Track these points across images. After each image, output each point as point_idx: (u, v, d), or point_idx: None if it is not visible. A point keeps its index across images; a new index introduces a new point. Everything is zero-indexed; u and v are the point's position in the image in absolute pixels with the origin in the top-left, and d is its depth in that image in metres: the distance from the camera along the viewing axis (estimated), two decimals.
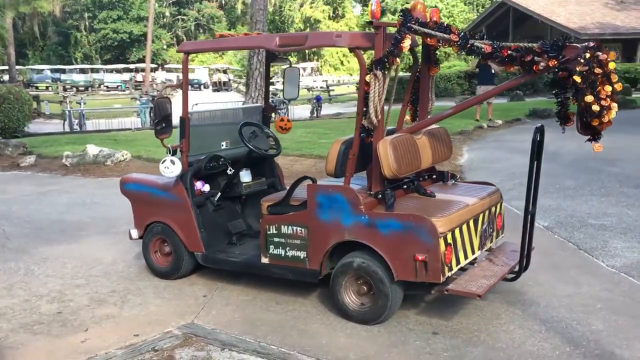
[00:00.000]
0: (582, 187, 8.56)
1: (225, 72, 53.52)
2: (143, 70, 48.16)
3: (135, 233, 5.60)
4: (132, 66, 55.31)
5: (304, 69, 58.58)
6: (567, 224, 6.78)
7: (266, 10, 13.57)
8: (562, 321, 4.37)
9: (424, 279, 4.12)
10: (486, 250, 4.80)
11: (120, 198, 6.02)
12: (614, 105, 3.83)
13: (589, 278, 5.19)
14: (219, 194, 5.43)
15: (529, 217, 4.27)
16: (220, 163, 5.41)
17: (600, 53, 3.78)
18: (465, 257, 4.36)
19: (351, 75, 55.01)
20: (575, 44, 3.97)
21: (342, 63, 58.89)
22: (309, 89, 35.61)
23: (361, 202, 4.27)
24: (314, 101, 21.40)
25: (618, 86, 3.88)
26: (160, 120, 4.90)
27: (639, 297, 4.78)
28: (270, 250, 4.74)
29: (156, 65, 54.76)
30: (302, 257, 4.60)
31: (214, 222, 5.32)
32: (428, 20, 4.44)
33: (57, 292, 5.23)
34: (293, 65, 5.94)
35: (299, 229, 4.58)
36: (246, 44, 4.82)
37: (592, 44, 3.86)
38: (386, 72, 4.26)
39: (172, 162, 4.98)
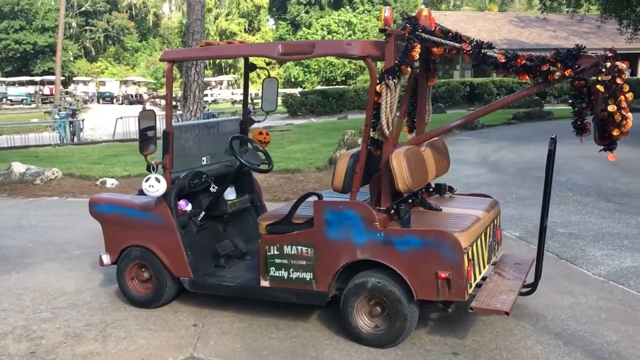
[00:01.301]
0: (538, 197, 8.67)
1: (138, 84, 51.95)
2: (50, 83, 45.81)
3: (107, 259, 5.09)
4: (37, 79, 52.46)
5: (221, 82, 57.83)
6: (537, 233, 6.82)
7: (203, 21, 13.08)
8: (575, 334, 4.31)
9: (447, 298, 3.94)
10: (492, 265, 4.70)
11: (63, 220, 5.51)
12: (630, 115, 3.83)
13: (581, 288, 5.20)
14: (203, 213, 5.04)
15: (544, 229, 4.20)
16: (203, 180, 5.03)
17: (619, 62, 3.77)
18: (480, 272, 4.23)
19: None
20: (589, 54, 3.95)
21: (258, 76, 58.53)
22: (233, 102, 35.18)
23: (376, 219, 4.04)
24: (249, 113, 20.89)
25: (630, 96, 3.87)
26: (146, 135, 4.48)
27: (637, 305, 4.82)
28: (271, 273, 4.41)
29: (64, 78, 52.16)
30: (308, 279, 4.31)
31: (198, 244, 4.92)
32: (434, 28, 4.31)
33: (22, 329, 4.66)
34: (272, 77, 5.65)
35: (304, 248, 4.28)
36: (243, 52, 4.48)
37: (609, 53, 3.84)
38: (397, 82, 4.08)
39: (157, 180, 4.56)
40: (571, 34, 37.50)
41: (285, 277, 4.37)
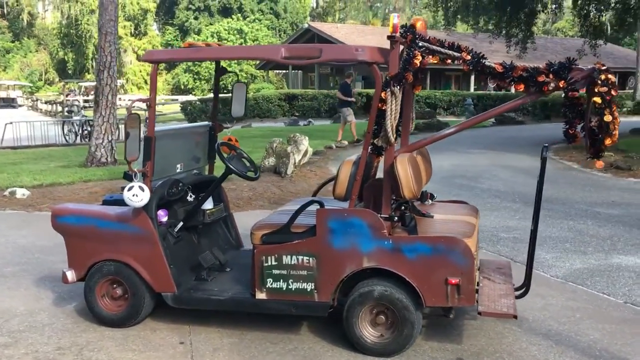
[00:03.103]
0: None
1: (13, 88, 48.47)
2: None
3: (72, 275, 4.66)
4: None
5: None
6: (484, 238, 7.10)
7: (117, 22, 12.43)
8: (560, 334, 4.50)
9: (457, 304, 3.98)
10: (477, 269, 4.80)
11: None
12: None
13: (546, 289, 5.45)
14: (181, 223, 4.75)
15: (534, 235, 4.37)
16: (180, 189, 4.75)
17: (611, 75, 4.01)
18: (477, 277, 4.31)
19: (157, 94, 53.06)
20: (580, 67, 4.16)
21: (145, 82, 56.69)
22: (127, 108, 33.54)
23: (384, 226, 4.00)
24: (147, 120, 20.04)
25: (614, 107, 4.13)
26: (131, 140, 4.16)
27: (602, 304, 5.12)
28: (268, 284, 4.24)
29: None
30: (309, 290, 4.18)
31: (177, 256, 4.63)
32: (428, 37, 4.36)
33: None
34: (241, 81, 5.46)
35: (305, 258, 4.15)
36: (242, 54, 4.28)
37: (599, 66, 4.06)
38: (401, 89, 4.08)
39: (142, 188, 4.24)
40: None
41: (284, 289, 4.22)
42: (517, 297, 4.49)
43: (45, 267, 6.11)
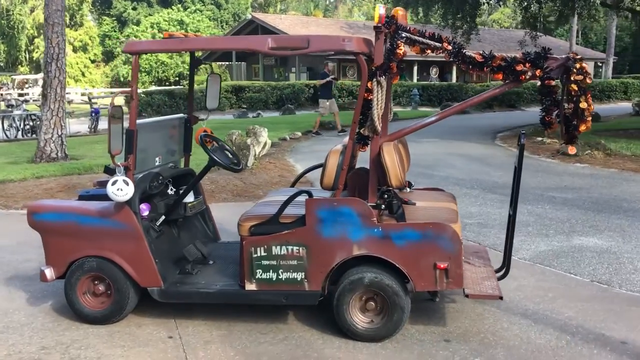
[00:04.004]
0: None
1: None
2: None
3: (50, 273, 4.53)
4: None
5: (36, 80, 53.20)
6: None
7: (64, 12, 12.02)
8: (537, 313, 4.70)
9: (445, 287, 4.10)
10: None
11: None
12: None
13: (516, 271, 5.61)
14: (163, 217, 4.69)
15: (513, 219, 4.53)
16: (160, 182, 4.69)
17: (585, 64, 4.20)
18: None
19: (93, 87, 51.54)
20: (554, 56, 4.33)
21: (83, 75, 54.94)
22: (69, 102, 32.55)
23: (373, 214, 4.07)
24: (93, 114, 19.53)
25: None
26: (114, 133, 4.07)
27: (570, 283, 5.37)
28: (258, 275, 4.25)
29: None
30: (299, 279, 4.22)
31: (161, 250, 4.57)
32: (409, 28, 4.44)
33: None
34: (215, 73, 5.41)
35: (295, 248, 4.18)
36: (227, 45, 4.24)
37: (573, 56, 4.24)
38: (386, 79, 4.16)
39: (126, 182, 4.16)
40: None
41: (274, 279, 4.24)
42: (498, 279, 4.66)
43: (11, 267, 5.91)
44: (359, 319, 4.20)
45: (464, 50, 4.29)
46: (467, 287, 4.26)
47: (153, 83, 51.67)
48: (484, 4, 21.19)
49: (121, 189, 4.14)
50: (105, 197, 4.62)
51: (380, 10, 4.08)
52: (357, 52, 4.02)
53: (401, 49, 4.20)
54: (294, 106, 28.30)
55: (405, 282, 4.20)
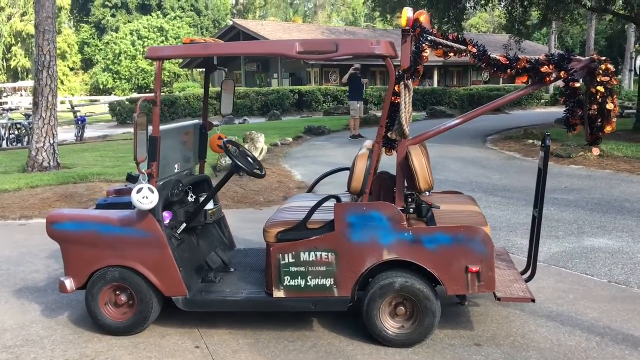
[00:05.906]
0: None
1: None
2: None
3: (70, 283, 4.42)
4: None
5: (18, 89, 52.44)
6: None
7: (55, 19, 11.83)
8: (562, 315, 4.69)
9: (477, 291, 4.07)
10: None
11: None
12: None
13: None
14: (184, 225, 4.61)
15: (539, 221, 4.53)
16: (181, 189, 4.61)
17: (610, 66, 4.21)
18: None
19: (73, 95, 50.92)
20: (578, 57, 4.35)
21: (62, 82, 54.24)
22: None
23: (404, 218, 4.04)
24: (79, 122, 19.25)
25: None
26: (140, 141, 3.99)
27: (589, 284, 5.38)
28: (286, 282, 4.18)
29: None
30: (328, 285, 4.16)
31: (184, 259, 4.49)
32: (432, 30, 4.43)
33: None
34: (229, 79, 5.35)
35: (324, 254, 4.13)
36: (254, 50, 4.18)
37: (599, 58, 4.26)
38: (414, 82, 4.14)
39: (151, 190, 4.08)
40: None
41: (303, 286, 4.18)
42: (527, 281, 4.64)
43: (19, 279, 5.78)
44: (390, 325, 4.15)
45: (489, 53, 4.29)
46: (499, 289, 4.24)
47: (134, 90, 51.24)
48: (470, 8, 21.33)
49: (147, 197, 4.06)
50: (124, 206, 4.55)
51: (409, 13, 4.06)
52: (385, 56, 3.99)
53: (427, 52, 4.19)
54: (279, 112, 28.22)
55: (434, 286, 4.17)
